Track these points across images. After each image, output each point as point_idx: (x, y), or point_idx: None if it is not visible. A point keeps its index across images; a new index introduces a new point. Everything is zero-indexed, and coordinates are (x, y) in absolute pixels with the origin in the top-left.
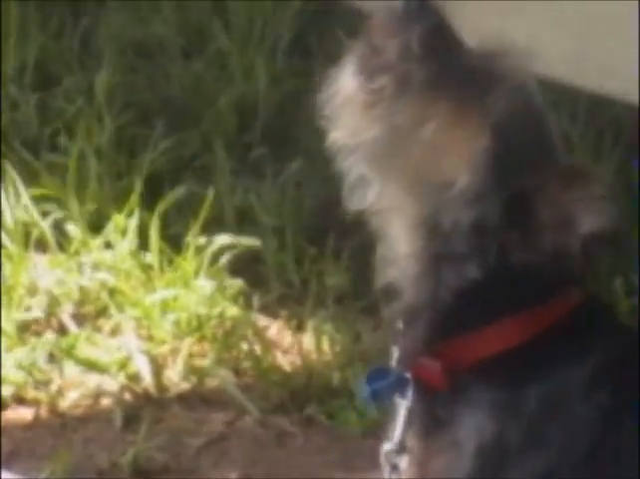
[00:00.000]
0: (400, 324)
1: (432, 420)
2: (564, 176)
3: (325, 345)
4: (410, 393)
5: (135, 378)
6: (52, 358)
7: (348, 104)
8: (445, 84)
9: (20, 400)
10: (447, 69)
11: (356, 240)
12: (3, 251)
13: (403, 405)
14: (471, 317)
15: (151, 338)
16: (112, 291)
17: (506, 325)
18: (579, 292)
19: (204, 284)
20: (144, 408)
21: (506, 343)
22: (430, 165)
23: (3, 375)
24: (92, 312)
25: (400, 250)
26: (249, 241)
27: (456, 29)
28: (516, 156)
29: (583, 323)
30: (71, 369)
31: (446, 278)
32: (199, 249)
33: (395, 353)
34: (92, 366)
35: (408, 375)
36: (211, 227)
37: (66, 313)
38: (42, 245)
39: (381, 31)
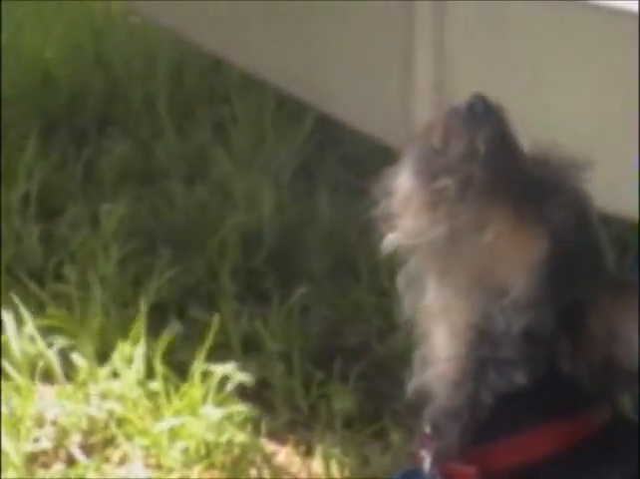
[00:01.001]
0: (430, 428)
1: None
2: (614, 288)
3: (334, 470)
4: None
5: None
6: None
7: (408, 204)
8: (505, 190)
9: None
10: (508, 175)
11: (363, 364)
12: (10, 383)
13: None
14: (509, 424)
15: (159, 467)
16: (119, 421)
17: (542, 434)
18: (610, 406)
19: (212, 412)
20: None
21: (541, 452)
22: (486, 269)
23: None
24: (100, 442)
25: (442, 353)
26: (254, 372)
27: (516, 135)
28: (572, 266)
29: (611, 436)
30: None
31: (490, 383)
32: (206, 377)
33: (426, 456)
34: None
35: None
36: (218, 352)
37: (74, 444)
38: (49, 376)
39: (443, 132)
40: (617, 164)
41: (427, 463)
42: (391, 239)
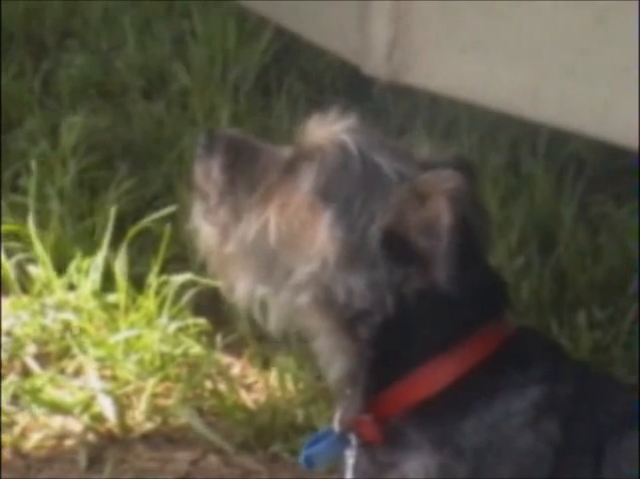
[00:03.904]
0: (340, 389)
1: (377, 470)
2: (412, 195)
3: (289, 383)
4: (353, 449)
5: (99, 419)
6: (15, 400)
7: (211, 251)
8: (264, 186)
9: None
10: (258, 174)
11: None
12: None
13: (349, 461)
14: (402, 365)
15: (114, 378)
16: (75, 332)
17: (433, 367)
18: (508, 324)
19: (167, 324)
20: (108, 448)
21: (434, 385)
22: (296, 254)
23: None
24: (55, 353)
25: (316, 332)
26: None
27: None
28: (357, 204)
29: (520, 355)
30: (34, 411)
31: (360, 335)
32: (162, 288)
33: (337, 415)
34: (56, 407)
35: (349, 433)
36: (175, 265)
37: (29, 355)
38: (5, 288)
39: (198, 174)
40: (574, 81)
41: (336, 420)
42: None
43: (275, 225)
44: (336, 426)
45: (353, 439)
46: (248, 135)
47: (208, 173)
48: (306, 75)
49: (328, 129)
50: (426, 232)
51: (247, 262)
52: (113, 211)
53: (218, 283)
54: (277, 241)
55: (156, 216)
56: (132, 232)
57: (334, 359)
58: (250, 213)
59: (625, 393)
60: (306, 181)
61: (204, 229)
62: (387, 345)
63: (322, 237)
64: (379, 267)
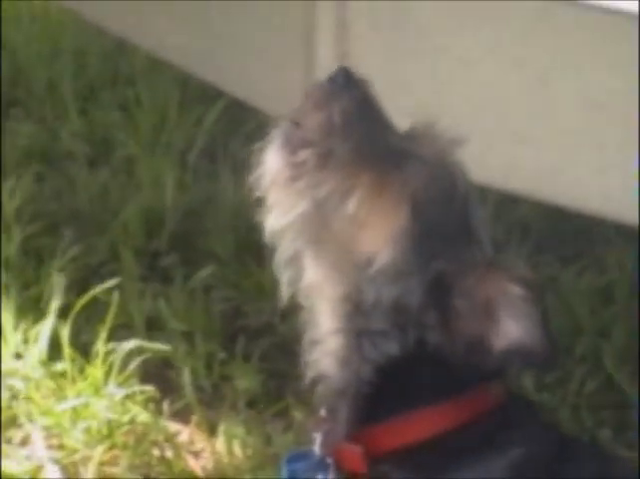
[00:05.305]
0: (323, 409)
1: None
2: (483, 267)
3: (237, 449)
4: (331, 476)
5: None
6: None
7: (274, 181)
8: (365, 158)
9: None
10: (368, 143)
11: (266, 344)
12: None
13: None
14: (393, 404)
15: (62, 447)
16: (22, 401)
17: (427, 414)
18: (501, 386)
19: (114, 391)
20: None
21: (427, 432)
22: (353, 239)
23: None
24: (3, 422)
25: (324, 329)
26: (157, 346)
27: (379, 103)
28: (436, 236)
29: (507, 416)
30: None
31: (366, 355)
32: (109, 356)
33: (317, 437)
34: (3, 477)
35: (329, 459)
36: (121, 333)
37: None
38: None
39: (305, 106)
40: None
41: (317, 443)
42: (267, 220)
43: (357, 198)
44: (317, 449)
45: (331, 466)
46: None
47: (329, 105)
48: (252, 141)
49: (435, 139)
50: (474, 304)
51: (308, 213)
52: (59, 279)
53: (165, 350)
54: (348, 213)
55: (103, 286)
56: (80, 302)
57: (332, 369)
58: (338, 170)
59: (601, 456)
60: (411, 183)
61: (276, 152)
62: (389, 378)
63: (388, 239)
64: (415, 298)
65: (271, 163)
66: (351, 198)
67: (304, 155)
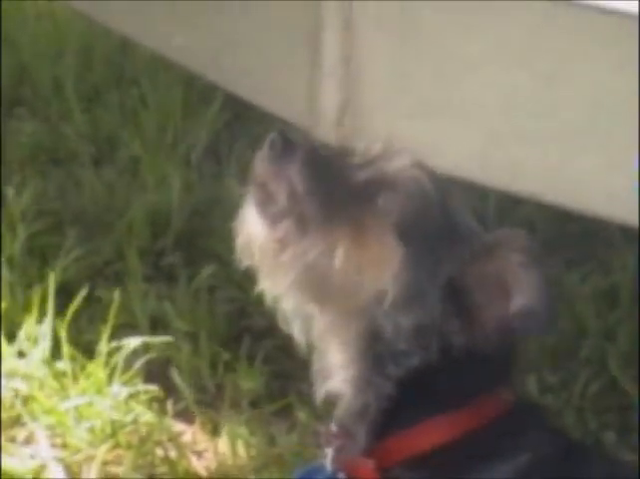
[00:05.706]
0: (335, 426)
1: None
2: (484, 251)
3: (240, 449)
4: None
5: None
6: None
7: (262, 253)
8: (337, 210)
9: None
10: (333, 196)
11: (270, 345)
12: None
13: None
14: (408, 415)
15: (65, 446)
16: (25, 400)
17: (439, 423)
18: (509, 391)
19: (118, 391)
20: None
21: (438, 440)
22: (354, 286)
23: None
24: (6, 421)
25: (339, 360)
26: (161, 344)
27: (325, 149)
28: (430, 246)
29: (514, 422)
30: None
31: (389, 373)
32: (113, 356)
33: (329, 453)
34: (6, 476)
35: (341, 475)
36: (125, 332)
37: None
38: None
39: (265, 172)
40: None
41: (329, 459)
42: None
43: (344, 250)
44: (328, 465)
45: None
46: (323, 147)
47: (282, 174)
48: (257, 141)
49: (398, 159)
50: (489, 288)
51: (302, 278)
52: (63, 279)
53: (169, 350)
54: (341, 267)
55: (106, 284)
56: (78, 299)
57: (350, 392)
58: (318, 231)
59: (607, 460)
60: (389, 214)
61: (256, 224)
62: (409, 390)
63: (389, 274)
64: (434, 313)
65: (255, 236)
66: (338, 252)
67: (284, 226)
